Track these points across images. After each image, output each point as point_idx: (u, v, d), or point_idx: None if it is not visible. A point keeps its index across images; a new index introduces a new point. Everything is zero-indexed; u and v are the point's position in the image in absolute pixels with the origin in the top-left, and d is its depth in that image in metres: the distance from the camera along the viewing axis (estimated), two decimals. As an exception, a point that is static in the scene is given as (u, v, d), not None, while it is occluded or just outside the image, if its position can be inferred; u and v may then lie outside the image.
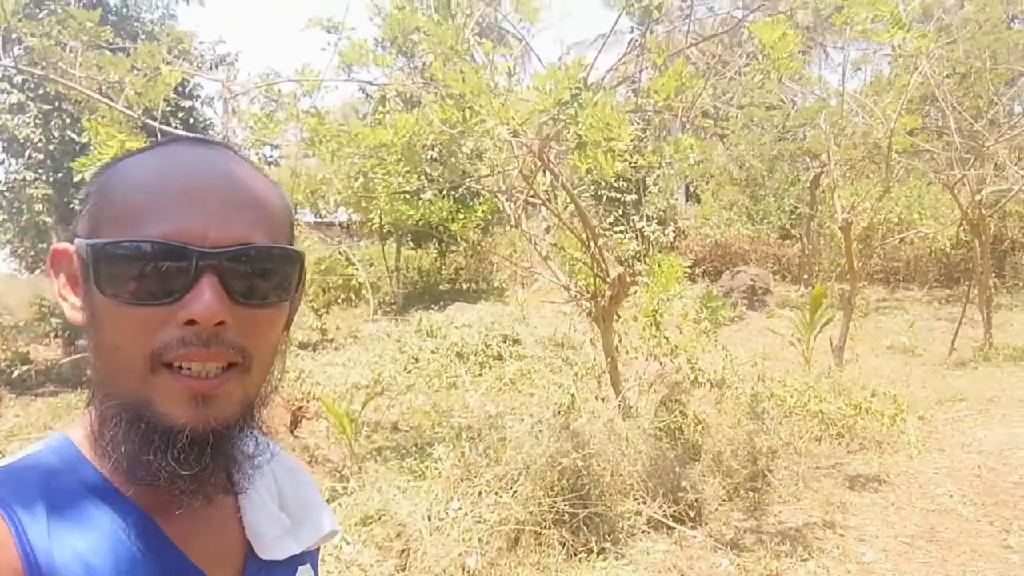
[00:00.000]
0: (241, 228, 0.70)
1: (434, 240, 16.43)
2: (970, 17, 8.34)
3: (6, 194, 11.90)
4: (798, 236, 15.89)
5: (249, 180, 0.74)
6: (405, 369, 8.72)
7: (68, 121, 10.82)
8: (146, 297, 0.67)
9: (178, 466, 0.68)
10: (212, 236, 0.68)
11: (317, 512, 0.93)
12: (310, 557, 0.91)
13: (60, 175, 11.07)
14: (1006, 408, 6.78)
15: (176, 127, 6.69)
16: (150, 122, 4.43)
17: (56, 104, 10.75)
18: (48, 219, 11.70)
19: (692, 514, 4.60)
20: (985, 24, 7.92)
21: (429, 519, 4.12)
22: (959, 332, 9.28)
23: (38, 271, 15.03)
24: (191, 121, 12.14)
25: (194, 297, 0.66)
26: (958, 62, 8.07)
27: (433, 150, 5.36)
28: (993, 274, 9.56)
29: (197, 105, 12.61)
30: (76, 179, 3.99)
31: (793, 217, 16.50)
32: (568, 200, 5.32)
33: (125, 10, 11.91)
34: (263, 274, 0.71)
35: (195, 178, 0.70)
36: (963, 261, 13.50)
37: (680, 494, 4.63)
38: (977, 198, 8.66)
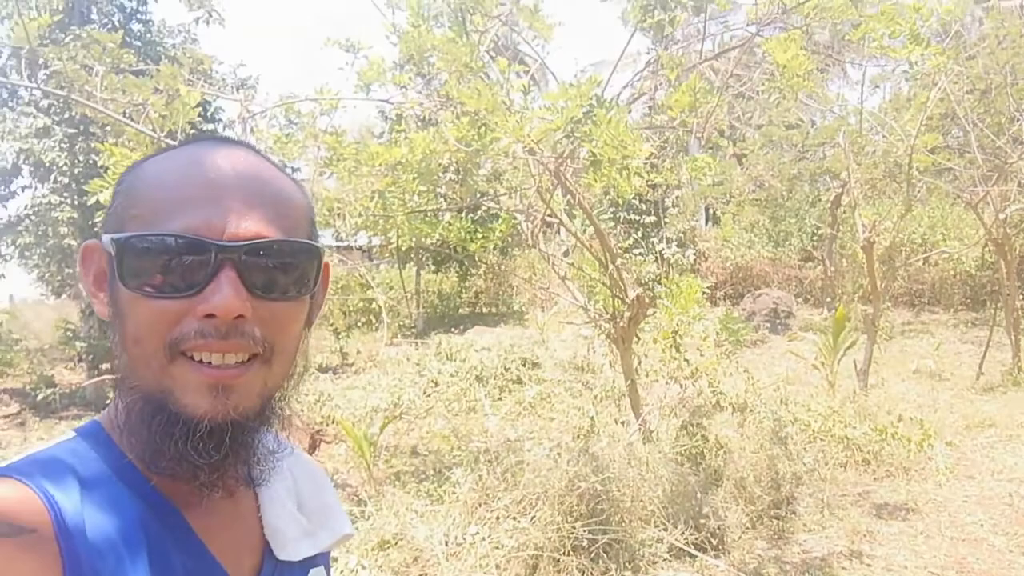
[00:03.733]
0: (260, 223, 0.71)
1: (454, 263, 16.45)
2: (989, 33, 8.24)
3: (32, 218, 12.08)
4: (820, 258, 15.69)
5: (269, 177, 0.76)
6: (424, 393, 8.66)
7: (92, 144, 10.97)
8: (167, 290, 0.68)
9: (197, 456, 0.69)
10: (231, 230, 0.69)
11: (334, 514, 0.95)
12: (323, 559, 0.91)
13: (85, 198, 11.17)
14: (1037, 433, 6.59)
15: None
16: (172, 143, 4.46)
17: (81, 128, 10.93)
18: (73, 242, 11.85)
19: (714, 542, 4.48)
20: (1004, 40, 7.82)
21: (446, 544, 4.06)
22: (986, 356, 9.08)
23: (64, 295, 15.25)
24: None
25: (213, 290, 0.68)
26: (978, 78, 7.95)
27: (449, 170, 5.35)
28: (1021, 295, 9.33)
29: (219, 128, 12.78)
30: (91, 201, 4.02)
31: (815, 238, 16.32)
32: (587, 220, 5.29)
33: (148, 35, 12.14)
34: (283, 268, 0.72)
35: (216, 175, 0.72)
36: (989, 283, 13.25)
37: (702, 521, 4.52)
38: (1001, 216, 8.50)
